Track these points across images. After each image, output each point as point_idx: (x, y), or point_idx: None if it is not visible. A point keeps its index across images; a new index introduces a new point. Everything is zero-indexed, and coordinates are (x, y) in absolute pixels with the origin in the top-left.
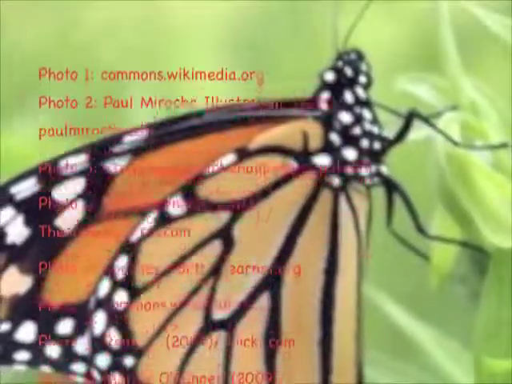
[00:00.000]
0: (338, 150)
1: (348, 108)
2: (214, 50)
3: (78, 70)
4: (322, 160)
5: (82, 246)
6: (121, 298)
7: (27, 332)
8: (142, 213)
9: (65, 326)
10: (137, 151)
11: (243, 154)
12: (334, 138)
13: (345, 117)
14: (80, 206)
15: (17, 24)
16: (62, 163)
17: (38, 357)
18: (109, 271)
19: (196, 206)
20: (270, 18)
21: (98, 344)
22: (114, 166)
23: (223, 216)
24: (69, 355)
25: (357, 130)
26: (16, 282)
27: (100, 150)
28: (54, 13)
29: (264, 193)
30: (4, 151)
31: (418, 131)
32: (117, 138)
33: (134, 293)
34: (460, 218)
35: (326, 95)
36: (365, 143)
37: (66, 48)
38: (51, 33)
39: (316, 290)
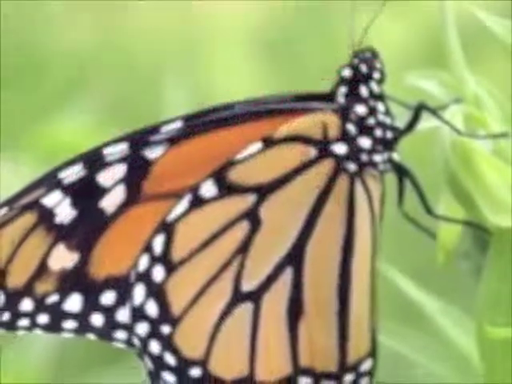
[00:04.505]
0: (354, 138)
1: (363, 101)
2: (243, 49)
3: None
4: (340, 148)
5: (123, 225)
6: (158, 272)
7: (74, 303)
8: (178, 195)
9: (108, 298)
10: (173, 140)
11: (269, 142)
12: (351, 128)
13: (360, 109)
14: (121, 189)
15: (63, 26)
16: (106, 151)
17: (83, 325)
18: (148, 248)
19: (226, 189)
20: (294, 18)
21: (138, 314)
22: (152, 153)
23: (251, 198)
24: (111, 324)
25: (371, 121)
26: (64, 257)
27: (139, 139)
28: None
29: (287, 177)
30: (54, 140)
31: (426, 122)
32: (155, 128)
33: (170, 267)
34: (464, 199)
35: (343, 89)
36: (378, 133)
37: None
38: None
39: (334, 265)
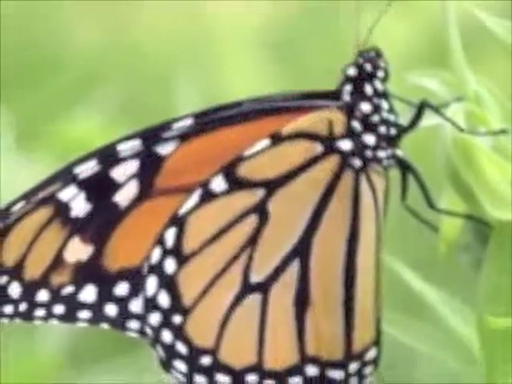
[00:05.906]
0: (359, 135)
1: (368, 99)
2: (250, 48)
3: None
4: (345, 144)
5: (136, 219)
6: (170, 264)
7: (89, 294)
8: (189, 190)
9: (121, 289)
10: (184, 136)
11: (276, 138)
12: (356, 125)
13: (365, 106)
14: (134, 184)
15: (71, 24)
16: (119, 147)
17: (98, 315)
18: (160, 241)
19: (235, 184)
20: (299, 18)
21: (151, 304)
22: (164, 149)
23: (259, 193)
24: (125, 314)
25: (375, 118)
26: (79, 250)
27: (152, 136)
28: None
29: (295, 173)
30: (67, 138)
31: (429, 119)
32: (166, 125)
33: (182, 259)
34: (465, 194)
35: (348, 88)
36: (382, 130)
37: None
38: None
39: (340, 257)
